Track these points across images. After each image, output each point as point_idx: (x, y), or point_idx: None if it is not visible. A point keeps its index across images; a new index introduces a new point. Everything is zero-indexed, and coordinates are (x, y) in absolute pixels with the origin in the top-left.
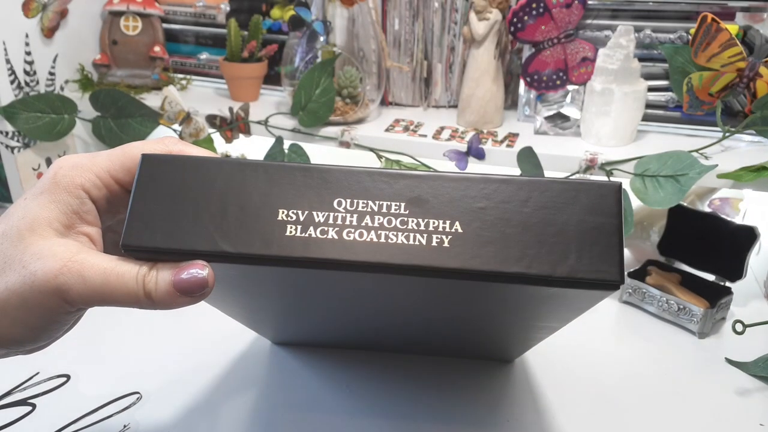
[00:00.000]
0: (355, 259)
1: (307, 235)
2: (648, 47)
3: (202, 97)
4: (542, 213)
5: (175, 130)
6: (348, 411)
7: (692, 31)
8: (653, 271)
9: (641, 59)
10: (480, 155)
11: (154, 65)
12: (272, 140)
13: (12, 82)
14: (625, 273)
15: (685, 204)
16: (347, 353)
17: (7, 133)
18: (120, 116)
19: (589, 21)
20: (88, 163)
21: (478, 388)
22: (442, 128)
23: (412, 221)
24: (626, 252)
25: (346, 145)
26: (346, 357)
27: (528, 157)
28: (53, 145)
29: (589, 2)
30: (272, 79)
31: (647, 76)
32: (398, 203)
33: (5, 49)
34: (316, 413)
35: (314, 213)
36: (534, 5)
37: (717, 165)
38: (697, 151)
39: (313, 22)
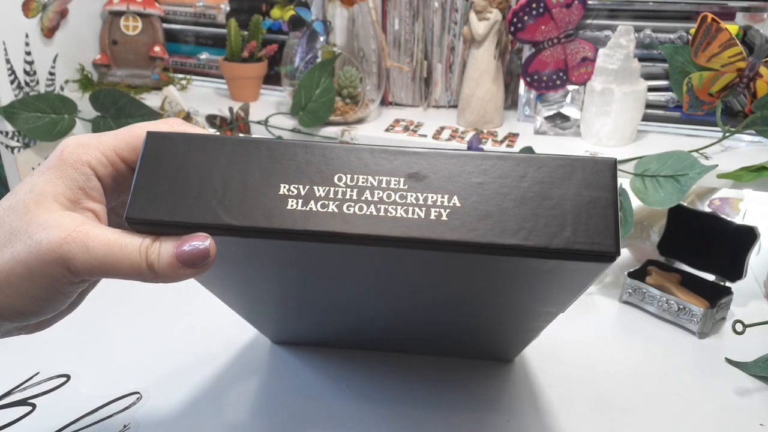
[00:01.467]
0: (355, 232)
1: (308, 208)
2: (648, 47)
3: (202, 97)
4: (539, 187)
5: None
6: (347, 411)
7: (692, 31)
8: (653, 271)
9: (641, 59)
10: None
11: (154, 65)
12: None
13: (12, 82)
14: (625, 273)
15: (685, 204)
16: (347, 353)
17: (7, 133)
18: (120, 116)
19: (589, 21)
20: (94, 141)
21: (478, 389)
22: (442, 128)
23: (411, 196)
24: (626, 252)
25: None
26: (345, 357)
27: None
28: (53, 145)
29: (589, 2)
30: (272, 79)
31: (647, 76)
32: (398, 178)
33: (5, 49)
34: (315, 413)
35: (315, 188)
36: (534, 5)
37: (717, 165)
38: (697, 151)
39: (313, 22)
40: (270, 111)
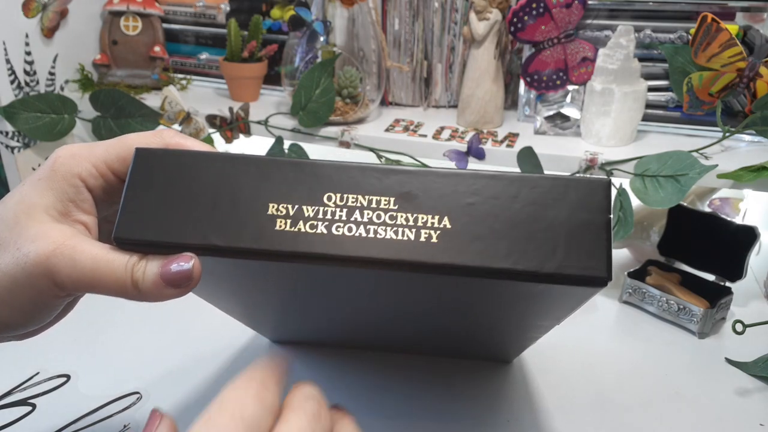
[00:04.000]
0: (344, 254)
1: (296, 229)
2: (648, 47)
3: (202, 97)
4: (531, 209)
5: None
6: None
7: (692, 31)
8: (653, 271)
9: (641, 59)
10: (480, 155)
11: (154, 65)
12: (272, 140)
13: (12, 82)
14: (625, 273)
15: (685, 204)
16: (346, 352)
17: (7, 133)
18: (120, 116)
19: (589, 21)
20: (86, 153)
21: (478, 388)
22: (442, 128)
23: (402, 216)
24: (626, 252)
25: (346, 145)
26: (345, 356)
27: (528, 157)
28: (53, 145)
29: (589, 2)
30: (272, 79)
31: (647, 76)
32: (388, 198)
33: (5, 49)
34: None
35: (304, 207)
36: (534, 5)
37: (717, 165)
38: (697, 151)
39: (313, 22)
40: (270, 111)
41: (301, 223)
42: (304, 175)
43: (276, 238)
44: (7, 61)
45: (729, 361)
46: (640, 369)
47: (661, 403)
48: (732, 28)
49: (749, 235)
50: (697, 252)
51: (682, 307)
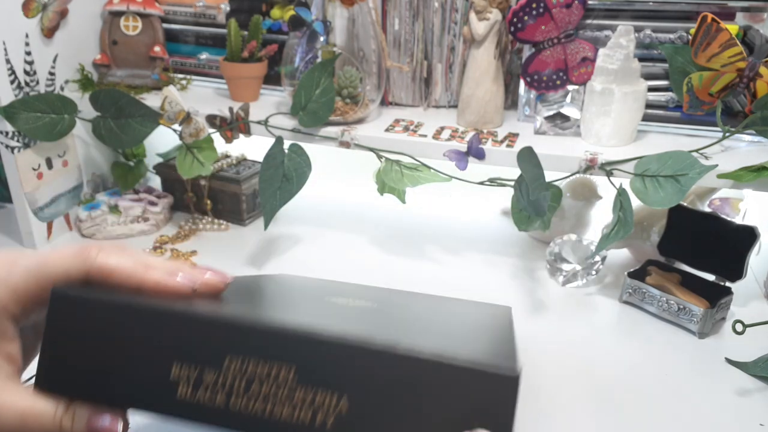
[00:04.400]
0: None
1: (196, 399)
2: (648, 47)
3: (202, 97)
4: (431, 399)
5: (175, 130)
6: None
7: (692, 31)
8: (653, 271)
9: (641, 59)
10: (480, 155)
11: (154, 65)
12: (272, 140)
13: (12, 82)
14: (625, 273)
15: (685, 204)
16: None
17: (7, 133)
18: (120, 116)
19: (589, 21)
20: (4, 274)
21: None
22: (442, 128)
23: (300, 391)
24: (626, 252)
25: (346, 145)
26: None
27: (528, 157)
28: (53, 145)
29: (589, 2)
30: (272, 79)
31: (647, 76)
32: (290, 365)
33: (5, 49)
34: None
35: (206, 371)
36: (534, 5)
37: (717, 165)
38: (697, 151)
39: (313, 22)
40: (270, 111)
41: (201, 389)
42: (210, 333)
43: (176, 406)
44: (7, 61)
45: (729, 361)
46: (640, 369)
47: (661, 403)
48: (732, 28)
49: (749, 235)
50: (697, 252)
51: (682, 307)
